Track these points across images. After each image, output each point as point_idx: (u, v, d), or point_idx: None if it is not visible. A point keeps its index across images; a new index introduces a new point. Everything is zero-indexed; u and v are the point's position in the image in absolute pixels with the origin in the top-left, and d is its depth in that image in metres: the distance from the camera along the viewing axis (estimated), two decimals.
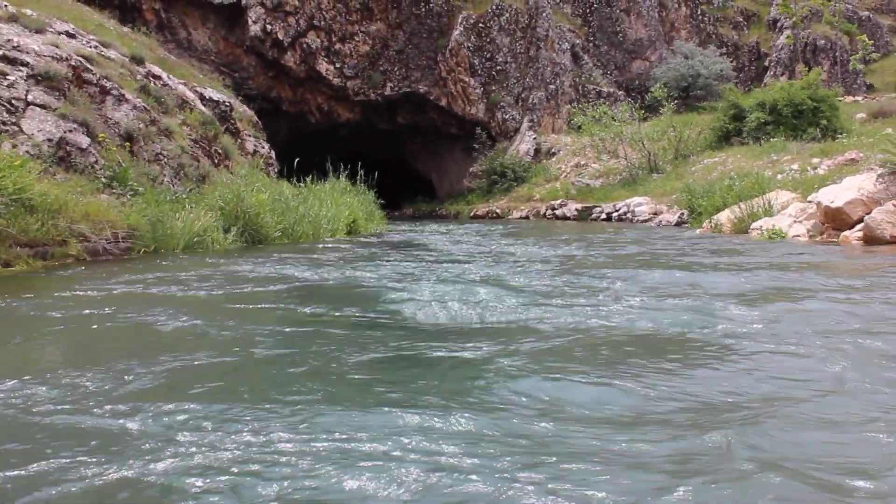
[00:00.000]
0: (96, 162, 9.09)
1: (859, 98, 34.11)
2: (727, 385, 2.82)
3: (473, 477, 1.90)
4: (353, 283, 5.74)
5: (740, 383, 2.85)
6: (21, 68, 9.53)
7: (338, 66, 31.28)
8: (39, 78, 9.53)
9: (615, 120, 25.48)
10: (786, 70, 38.27)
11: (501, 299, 4.66)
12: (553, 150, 31.29)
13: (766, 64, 40.51)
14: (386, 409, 2.48)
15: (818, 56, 38.57)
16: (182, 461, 2.00)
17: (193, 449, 2.09)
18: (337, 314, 4.28)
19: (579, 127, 28.17)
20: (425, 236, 12.84)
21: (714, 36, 41.98)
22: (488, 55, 32.71)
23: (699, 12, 42.30)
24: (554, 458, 2.04)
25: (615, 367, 3.07)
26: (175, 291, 5.13)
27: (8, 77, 9.19)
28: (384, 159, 39.14)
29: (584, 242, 9.83)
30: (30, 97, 9.16)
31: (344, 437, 2.20)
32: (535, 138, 31.90)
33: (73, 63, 10.34)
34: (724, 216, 12.59)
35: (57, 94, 9.56)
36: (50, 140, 8.76)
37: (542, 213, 24.54)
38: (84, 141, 9.21)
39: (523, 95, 33.08)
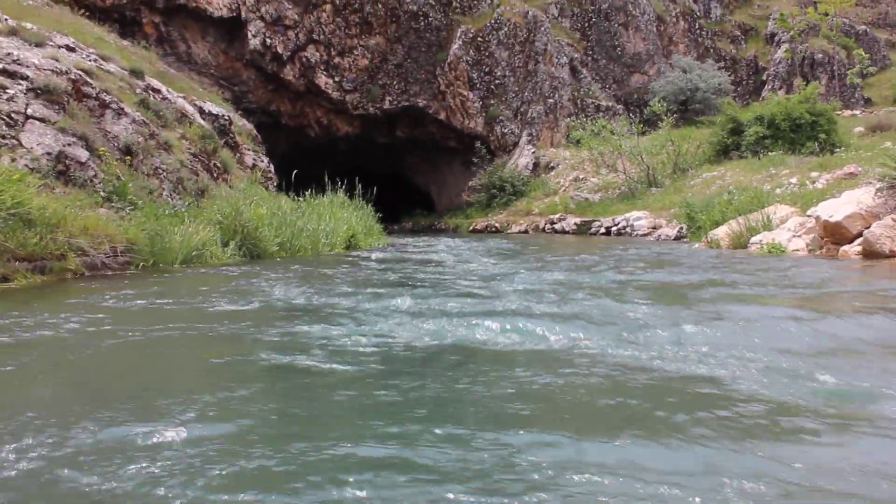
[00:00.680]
0: (95, 176, 9.08)
1: (857, 112, 34.23)
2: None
3: None
4: (341, 302, 5.37)
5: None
6: (21, 82, 9.53)
7: (337, 79, 31.36)
8: (39, 91, 9.53)
9: (614, 134, 25.53)
10: (784, 84, 38.41)
11: (507, 323, 4.36)
12: (552, 164, 31.33)
13: (764, 78, 40.66)
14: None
15: (816, 70, 38.73)
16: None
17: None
18: (322, 337, 4.03)
19: (578, 141, 28.22)
20: (423, 251, 12.74)
21: (712, 50, 42.15)
22: (487, 69, 32.81)
23: (697, 26, 42.48)
24: None
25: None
26: (168, 307, 5.11)
27: (7, 90, 9.19)
28: (383, 173, 39.17)
29: (588, 261, 9.22)
30: (29, 111, 9.16)
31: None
32: (533, 152, 31.95)
33: (73, 76, 10.34)
34: (723, 230, 12.59)
35: (56, 107, 9.56)
36: (49, 154, 8.75)
37: (540, 227, 24.54)
38: (83, 154, 9.20)
39: (522, 109, 33.16)
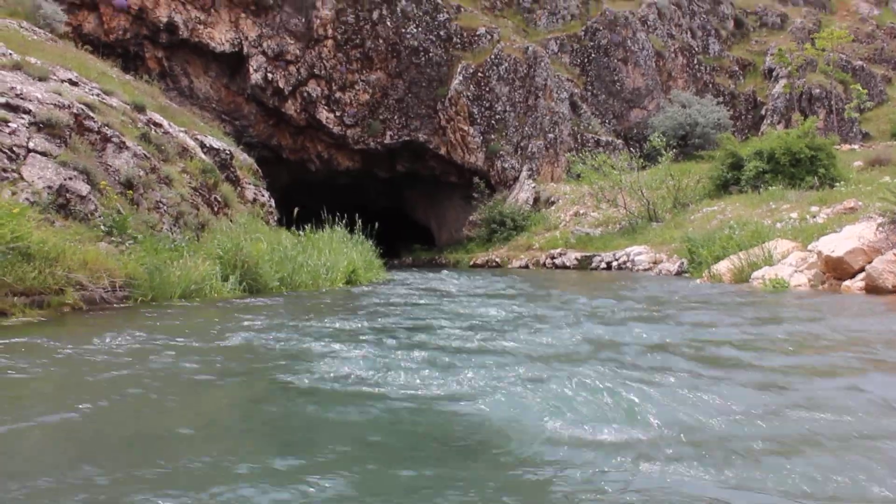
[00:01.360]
0: (95, 210, 9.07)
1: (855, 146, 34.39)
2: None
3: None
4: (341, 346, 4.97)
5: None
6: (23, 115, 9.56)
7: (338, 114, 31.53)
8: (41, 125, 9.55)
9: (614, 169, 25.59)
10: (782, 118, 38.64)
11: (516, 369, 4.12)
12: (552, 199, 31.38)
13: (763, 112, 40.92)
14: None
15: (814, 105, 38.98)
16: None
17: None
18: (317, 382, 3.84)
19: (578, 176, 28.28)
20: (423, 287, 12.59)
21: (711, 85, 42.45)
22: (487, 104, 33.01)
23: (696, 62, 42.81)
24: None
25: None
26: (161, 344, 5.04)
27: (10, 124, 9.21)
28: (383, 207, 39.29)
29: (605, 307, 7.92)
30: (31, 144, 9.17)
31: None
32: (534, 187, 32.02)
33: (75, 111, 10.38)
34: (725, 265, 12.56)
35: (58, 141, 9.58)
36: (50, 187, 8.75)
37: (541, 262, 24.49)
38: (84, 188, 9.20)
39: (522, 144, 33.30)
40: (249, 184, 16.85)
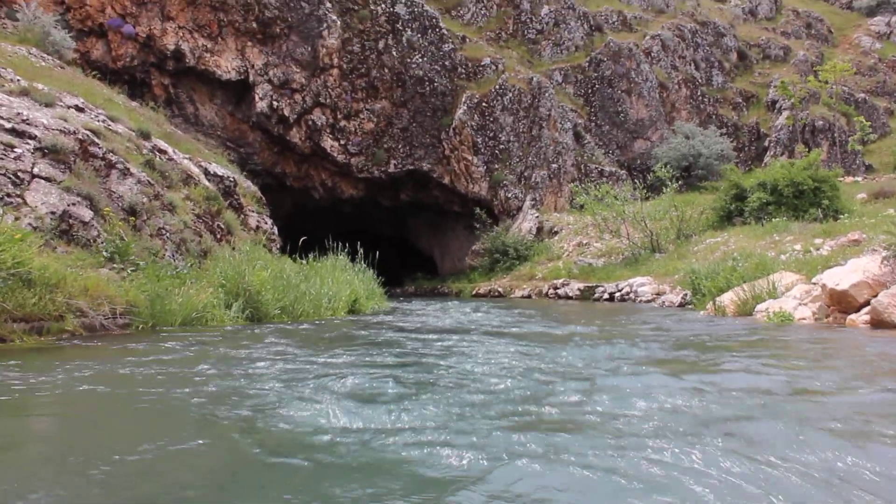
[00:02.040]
0: (98, 236, 9.06)
1: (859, 178, 34.42)
2: None
3: None
4: (333, 384, 4.56)
5: None
6: (29, 141, 9.59)
7: (342, 142, 31.66)
8: (46, 151, 9.58)
9: (617, 199, 25.58)
10: (785, 150, 38.76)
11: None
12: (555, 229, 31.38)
13: (766, 144, 41.06)
14: None
15: (817, 136, 39.13)
16: None
17: None
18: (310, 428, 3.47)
19: (581, 206, 28.28)
20: (424, 318, 12.42)
21: (714, 116, 42.65)
22: (491, 134, 33.14)
23: (699, 93, 43.03)
24: None
25: None
26: (159, 372, 4.98)
27: (15, 149, 9.24)
28: (387, 235, 39.36)
29: (620, 345, 7.10)
30: (35, 170, 9.19)
31: None
32: (537, 217, 32.04)
33: (81, 137, 10.41)
34: (728, 298, 12.48)
35: (63, 166, 9.60)
36: (53, 213, 8.75)
37: (544, 292, 24.41)
38: (87, 214, 9.20)
39: (526, 174, 33.38)
40: (253, 211, 16.87)
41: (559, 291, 23.54)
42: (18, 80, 12.53)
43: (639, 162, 38.69)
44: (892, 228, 10.15)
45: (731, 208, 23.45)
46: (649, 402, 4.06)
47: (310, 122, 30.93)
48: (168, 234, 10.74)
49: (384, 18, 32.42)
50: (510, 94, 33.69)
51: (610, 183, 30.86)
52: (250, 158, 30.81)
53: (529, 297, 24.83)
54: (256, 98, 29.76)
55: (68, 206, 9.03)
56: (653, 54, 41.92)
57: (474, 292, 28.74)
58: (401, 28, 32.63)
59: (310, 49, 30.30)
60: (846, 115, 41.02)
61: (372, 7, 32.34)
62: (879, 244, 10.91)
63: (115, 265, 8.69)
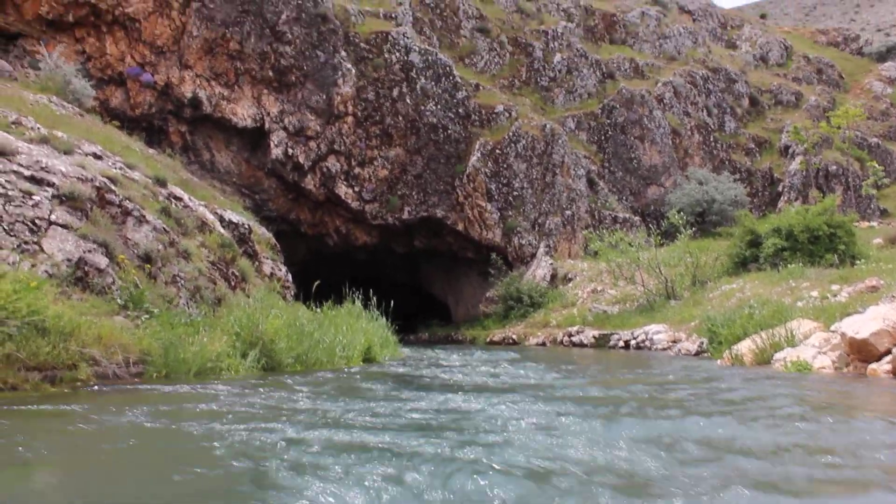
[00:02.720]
0: (113, 283, 9.08)
1: (874, 223, 34.32)
2: None
3: None
4: (346, 458, 4.08)
5: None
6: (47, 188, 9.66)
7: (357, 189, 31.84)
8: (64, 198, 9.64)
9: (632, 246, 25.50)
10: (799, 195, 38.74)
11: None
12: (569, 276, 31.28)
13: (780, 189, 41.04)
14: None
15: (831, 181, 39.12)
16: None
17: None
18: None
19: (596, 253, 28.21)
20: (442, 370, 12.00)
21: (727, 162, 42.72)
22: (505, 181, 33.26)
23: (712, 139, 43.17)
24: None
25: None
26: (171, 431, 4.89)
27: (34, 197, 9.30)
28: (401, 281, 39.34)
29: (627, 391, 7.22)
30: (53, 217, 9.24)
31: None
32: (551, 263, 31.97)
33: (98, 184, 10.49)
34: (746, 346, 12.33)
35: (80, 214, 9.65)
36: (69, 260, 8.78)
37: (558, 339, 24.25)
38: (103, 261, 9.23)
39: (539, 221, 33.41)
40: (267, 258, 16.91)
41: (574, 339, 23.39)
42: (39, 128, 12.70)
43: (652, 208, 38.68)
44: None
45: (747, 254, 23.30)
46: None
47: (324, 169, 31.16)
48: (183, 282, 10.75)
49: (398, 67, 32.81)
50: (523, 141, 33.88)
51: (624, 229, 30.84)
52: (265, 205, 31.02)
53: (544, 344, 24.67)
54: (272, 145, 30.04)
55: (84, 253, 9.06)
56: (665, 101, 42.17)
57: (488, 339, 28.58)
58: (415, 76, 32.99)
59: (325, 97, 30.65)
60: (860, 160, 41.01)
61: (386, 55, 32.75)
62: None
63: (129, 313, 8.68)
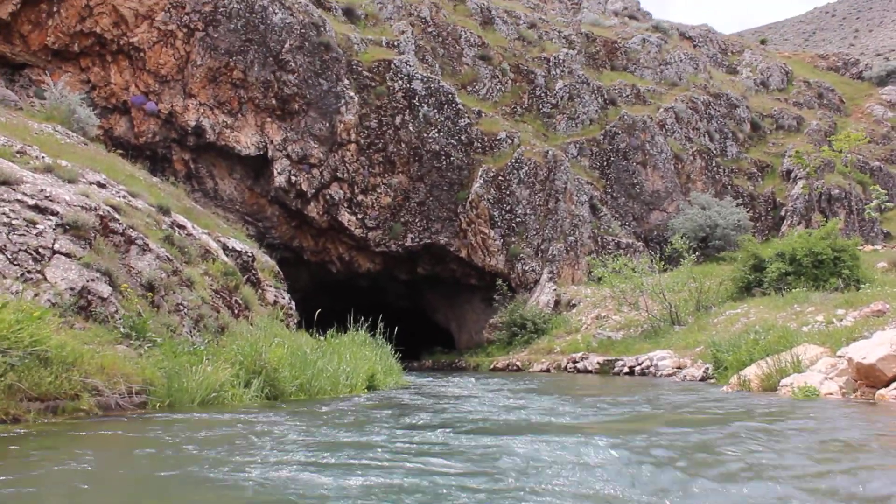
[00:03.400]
0: (116, 312, 9.06)
1: (878, 246, 34.26)
2: None
3: None
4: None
5: None
6: (51, 217, 9.69)
7: (360, 216, 31.87)
8: (67, 227, 9.66)
9: (635, 271, 25.44)
10: (802, 219, 38.74)
11: None
12: (573, 302, 31.21)
13: (783, 213, 41.03)
14: None
15: (833, 205, 39.13)
16: None
17: None
18: None
19: (599, 278, 28.15)
20: (448, 400, 11.61)
21: (730, 187, 42.74)
22: (508, 207, 33.28)
23: (714, 164, 43.24)
24: None
25: None
26: (175, 465, 4.84)
27: (38, 226, 9.32)
28: (404, 308, 39.25)
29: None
30: (56, 245, 9.25)
31: None
32: (555, 290, 31.91)
33: (101, 213, 10.51)
34: (752, 372, 12.24)
35: (83, 242, 9.66)
36: (72, 289, 8.77)
37: (563, 366, 24.14)
38: (106, 290, 9.22)
39: (543, 247, 33.39)
40: (270, 286, 16.88)
41: (578, 365, 23.27)
42: (43, 157, 12.75)
43: (655, 233, 38.67)
44: None
45: (750, 279, 23.24)
46: None
47: (327, 197, 31.21)
48: (186, 310, 10.73)
49: (401, 94, 32.98)
50: (526, 168, 33.95)
51: (627, 255, 30.79)
52: (268, 232, 31.05)
53: (548, 370, 24.55)
54: (275, 173, 30.12)
55: (87, 281, 9.06)
56: (667, 126, 42.30)
57: (492, 366, 28.45)
58: (417, 103, 33.14)
59: (328, 125, 30.78)
60: (862, 184, 41.05)
61: (389, 83, 32.93)
62: None
63: (132, 342, 8.66)
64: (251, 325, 12.39)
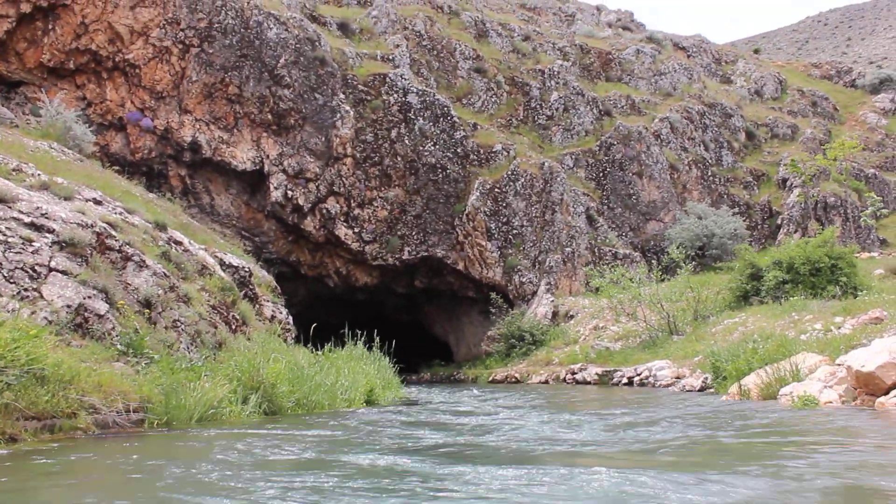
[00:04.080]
0: (113, 328, 9.03)
1: (874, 254, 34.26)
2: None
3: None
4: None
5: None
6: (47, 235, 9.67)
7: (356, 230, 31.86)
8: (64, 244, 9.64)
9: (632, 282, 25.42)
10: (798, 227, 38.77)
11: None
12: (571, 313, 31.16)
13: (779, 222, 41.08)
14: None
15: (829, 213, 39.16)
16: None
17: None
18: None
19: (597, 289, 28.12)
20: (446, 413, 11.67)
21: (726, 196, 42.80)
22: (504, 219, 33.29)
23: (710, 174, 43.31)
24: None
25: None
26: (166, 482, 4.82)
27: (34, 243, 9.30)
28: (401, 321, 39.19)
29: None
30: (53, 263, 9.23)
31: None
32: (552, 301, 31.87)
33: (98, 230, 10.50)
34: (751, 381, 12.23)
35: (79, 259, 9.64)
36: (69, 306, 8.75)
37: (561, 377, 24.08)
38: (102, 307, 9.19)
39: (540, 258, 33.38)
40: (268, 301, 16.86)
41: (577, 376, 23.22)
42: (39, 175, 12.74)
43: (652, 243, 38.68)
44: None
45: (748, 288, 23.22)
46: None
47: (324, 211, 31.20)
48: (183, 326, 10.70)
49: (396, 108, 33.04)
50: (522, 180, 33.97)
51: (624, 265, 30.78)
52: (265, 247, 31.02)
53: (547, 382, 24.49)
54: (271, 188, 30.12)
55: (84, 299, 9.03)
56: (662, 136, 42.39)
57: (491, 378, 28.36)
58: (413, 117, 33.20)
59: (324, 139, 30.81)
60: (857, 191, 41.11)
61: (384, 97, 32.99)
62: None
63: (129, 359, 8.63)
64: (249, 340, 12.36)
